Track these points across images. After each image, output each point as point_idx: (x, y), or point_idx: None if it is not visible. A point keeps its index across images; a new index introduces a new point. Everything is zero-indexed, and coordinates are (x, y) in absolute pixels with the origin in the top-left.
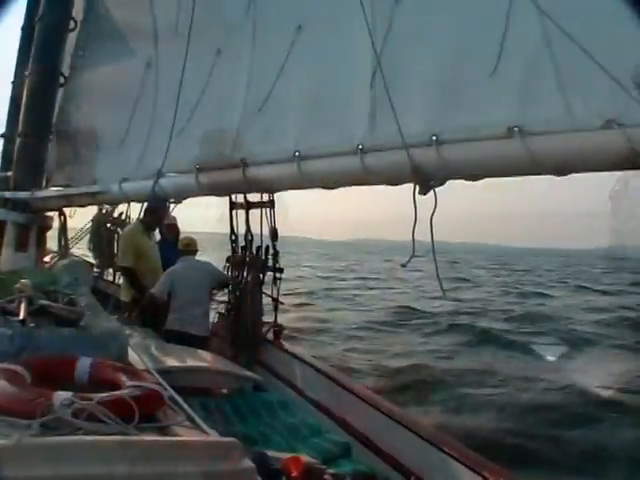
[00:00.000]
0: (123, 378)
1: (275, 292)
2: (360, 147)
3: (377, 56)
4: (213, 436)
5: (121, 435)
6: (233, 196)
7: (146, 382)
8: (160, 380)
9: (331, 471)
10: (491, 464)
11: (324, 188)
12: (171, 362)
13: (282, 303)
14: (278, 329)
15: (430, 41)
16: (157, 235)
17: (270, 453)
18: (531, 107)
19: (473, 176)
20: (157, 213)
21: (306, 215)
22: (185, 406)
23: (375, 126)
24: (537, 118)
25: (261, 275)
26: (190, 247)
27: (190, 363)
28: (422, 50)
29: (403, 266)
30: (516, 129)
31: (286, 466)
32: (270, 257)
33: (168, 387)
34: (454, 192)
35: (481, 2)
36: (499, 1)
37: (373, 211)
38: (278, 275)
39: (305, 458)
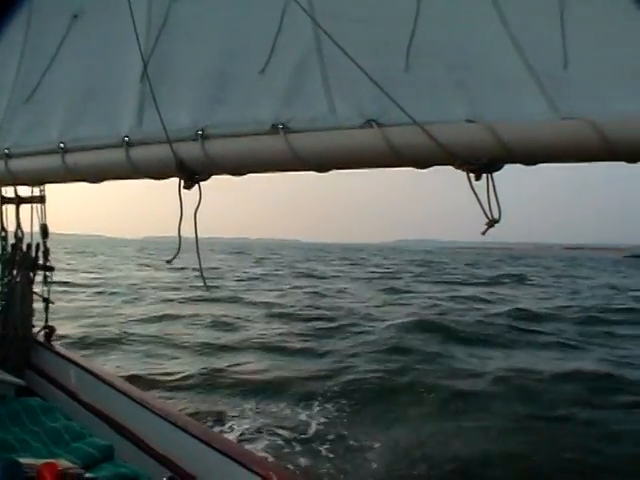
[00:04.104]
0: None
1: (46, 292)
2: (126, 140)
3: (148, 49)
4: None
5: None
6: (3, 191)
7: None
8: None
9: (89, 475)
10: (268, 462)
11: (90, 182)
12: None
13: (52, 302)
14: (49, 330)
15: (204, 36)
16: None
17: (25, 460)
18: (297, 105)
19: (238, 171)
20: None
21: (101, 211)
22: None
23: (142, 119)
24: (302, 116)
25: (31, 274)
26: None
27: None
28: (195, 45)
29: (168, 262)
30: (280, 126)
31: (40, 473)
32: (41, 255)
33: None
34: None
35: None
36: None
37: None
38: (49, 274)
39: (62, 463)
